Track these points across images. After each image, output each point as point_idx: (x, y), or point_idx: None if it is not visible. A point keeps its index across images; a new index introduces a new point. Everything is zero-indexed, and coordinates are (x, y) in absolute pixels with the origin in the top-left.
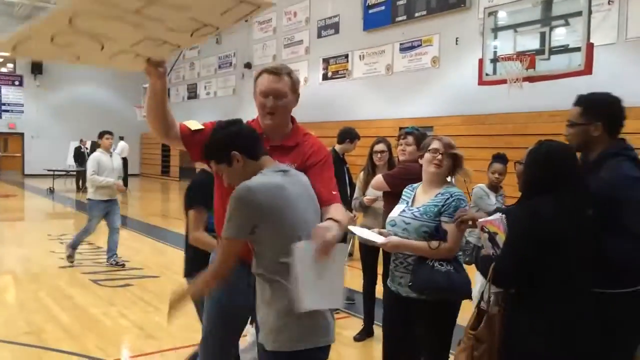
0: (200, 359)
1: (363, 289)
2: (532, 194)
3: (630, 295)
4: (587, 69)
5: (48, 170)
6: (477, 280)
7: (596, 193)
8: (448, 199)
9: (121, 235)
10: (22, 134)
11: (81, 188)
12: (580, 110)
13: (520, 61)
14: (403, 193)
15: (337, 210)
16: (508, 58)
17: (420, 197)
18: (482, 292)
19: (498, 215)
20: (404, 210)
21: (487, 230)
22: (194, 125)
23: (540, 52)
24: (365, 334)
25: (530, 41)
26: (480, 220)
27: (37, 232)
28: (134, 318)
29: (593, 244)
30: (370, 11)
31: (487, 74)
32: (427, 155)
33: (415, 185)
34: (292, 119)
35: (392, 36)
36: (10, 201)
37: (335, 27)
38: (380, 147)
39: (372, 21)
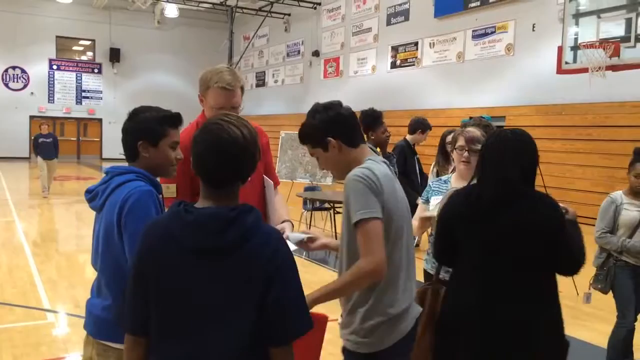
0: None
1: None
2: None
3: None
4: None
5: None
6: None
7: None
8: None
9: None
10: (100, 120)
11: None
12: None
13: (604, 49)
14: (432, 186)
15: (283, 205)
16: (590, 45)
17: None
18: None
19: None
20: None
21: None
22: (171, 192)
23: (625, 39)
24: None
25: (614, 28)
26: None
27: None
28: None
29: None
30: None
31: (566, 62)
32: (455, 154)
33: (443, 178)
34: None
35: (465, 23)
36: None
37: (405, 14)
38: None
39: (444, 7)
